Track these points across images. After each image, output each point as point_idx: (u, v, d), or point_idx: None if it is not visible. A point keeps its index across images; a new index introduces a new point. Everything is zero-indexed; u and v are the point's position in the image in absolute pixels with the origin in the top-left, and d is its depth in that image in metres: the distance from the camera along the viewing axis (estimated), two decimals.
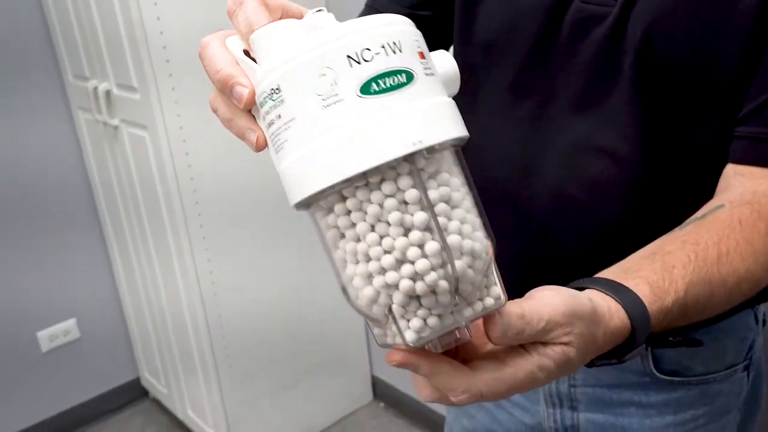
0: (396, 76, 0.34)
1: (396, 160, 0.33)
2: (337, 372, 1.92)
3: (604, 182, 0.60)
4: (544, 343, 0.39)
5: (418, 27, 0.40)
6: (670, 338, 0.67)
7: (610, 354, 0.45)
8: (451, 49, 0.42)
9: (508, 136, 0.64)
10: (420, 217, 0.33)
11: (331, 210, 0.35)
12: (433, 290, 0.34)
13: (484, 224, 0.37)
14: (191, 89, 1.43)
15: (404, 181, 0.33)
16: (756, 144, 0.55)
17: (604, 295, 0.43)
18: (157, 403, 2.08)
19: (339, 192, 0.34)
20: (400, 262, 0.33)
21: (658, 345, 0.67)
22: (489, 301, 0.36)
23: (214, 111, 0.42)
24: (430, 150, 0.34)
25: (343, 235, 0.35)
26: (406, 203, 0.34)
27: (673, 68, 0.56)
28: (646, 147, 0.59)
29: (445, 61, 0.40)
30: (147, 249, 1.70)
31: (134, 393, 2.11)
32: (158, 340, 1.87)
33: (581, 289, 0.44)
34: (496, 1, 0.64)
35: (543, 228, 0.64)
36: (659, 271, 0.47)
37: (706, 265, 0.48)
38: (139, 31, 1.35)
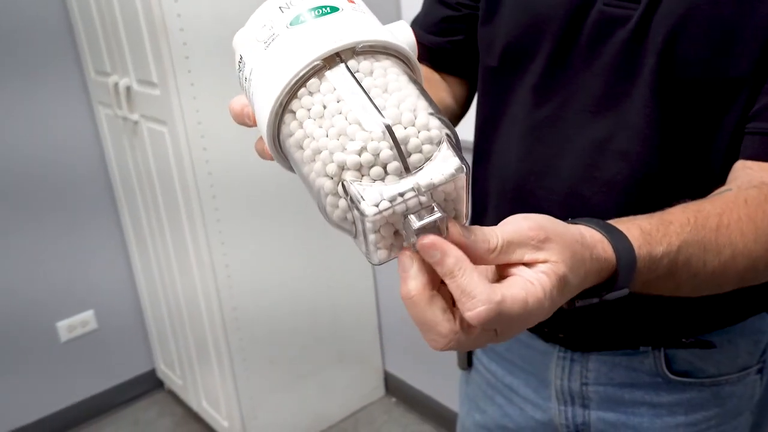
0: (321, 8, 0.39)
1: (326, 61, 0.37)
2: (350, 366, 1.94)
3: (619, 183, 0.61)
4: (530, 267, 0.38)
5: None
6: (683, 339, 0.68)
7: (592, 290, 0.43)
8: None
9: (528, 136, 0.65)
10: (354, 99, 0.36)
11: (290, 133, 0.38)
12: (380, 162, 0.35)
13: (434, 108, 0.38)
14: (210, 85, 1.45)
15: (337, 77, 0.37)
16: (765, 139, 0.55)
17: (588, 226, 0.43)
18: (172, 395, 2.11)
19: (290, 111, 0.38)
20: (345, 142, 0.35)
21: (671, 345, 0.68)
22: (448, 170, 0.35)
23: (261, 155, 0.45)
24: (362, 54, 0.38)
25: (303, 150, 0.37)
26: (343, 99, 0.36)
27: (693, 70, 0.56)
28: (662, 149, 0.59)
29: (401, 28, 0.43)
30: (164, 242, 1.73)
31: (150, 384, 2.14)
32: (174, 332, 1.90)
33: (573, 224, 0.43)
34: (517, 6, 0.64)
35: None
36: (655, 223, 0.46)
37: (704, 230, 0.48)
38: (160, 28, 1.37)
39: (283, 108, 0.38)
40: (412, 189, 0.35)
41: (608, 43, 0.59)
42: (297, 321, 1.77)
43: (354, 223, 0.36)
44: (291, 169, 0.42)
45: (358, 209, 0.34)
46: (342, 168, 0.35)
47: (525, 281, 0.37)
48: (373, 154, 0.35)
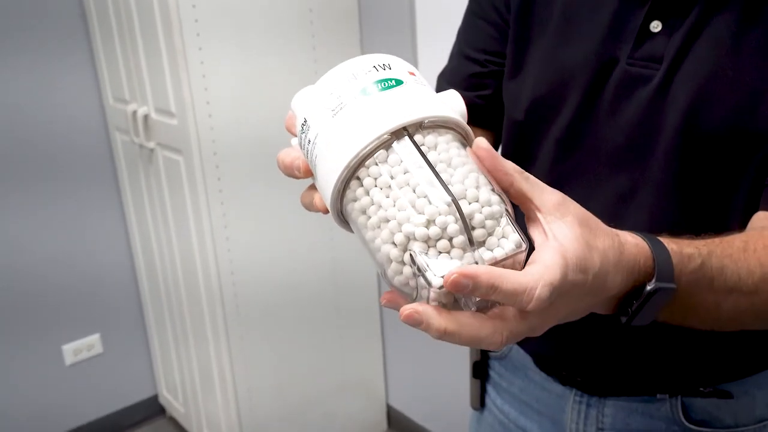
0: (387, 81, 0.41)
1: (394, 134, 0.39)
2: (354, 398, 1.93)
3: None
4: (550, 224, 0.40)
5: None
6: (701, 388, 0.68)
7: (633, 294, 0.43)
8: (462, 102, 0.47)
9: (552, 186, 0.66)
10: (422, 173, 0.38)
11: (355, 199, 0.40)
12: (447, 235, 0.36)
13: (495, 188, 0.40)
14: (227, 117, 1.48)
15: (405, 150, 0.39)
16: None
17: (623, 232, 0.44)
18: (174, 422, 2.10)
19: (356, 177, 0.40)
20: (413, 214, 0.37)
21: (688, 393, 0.68)
22: (509, 245, 0.37)
23: (308, 207, 0.47)
24: (427, 128, 0.40)
25: (369, 217, 0.39)
26: (410, 171, 0.38)
27: (715, 128, 0.58)
28: (684, 202, 0.61)
29: (452, 97, 0.45)
30: (174, 270, 1.73)
31: (151, 410, 2.13)
32: (179, 359, 1.89)
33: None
34: (543, 62, 0.66)
35: None
36: (681, 240, 0.47)
37: (732, 248, 0.48)
38: (181, 59, 1.40)
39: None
40: (476, 263, 0.37)
41: (632, 101, 0.61)
42: (303, 359, 1.77)
43: (416, 288, 0.38)
44: (347, 227, 0.43)
45: (425, 278, 0.36)
46: (410, 239, 0.37)
47: (551, 244, 0.38)
48: (440, 228, 0.36)
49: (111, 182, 1.90)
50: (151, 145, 1.61)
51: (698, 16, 0.58)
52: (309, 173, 0.45)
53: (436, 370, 1.78)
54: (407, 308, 0.37)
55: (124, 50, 1.61)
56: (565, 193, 0.66)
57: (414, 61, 1.57)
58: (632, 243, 0.43)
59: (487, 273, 0.35)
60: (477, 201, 0.38)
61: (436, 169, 0.38)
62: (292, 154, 0.46)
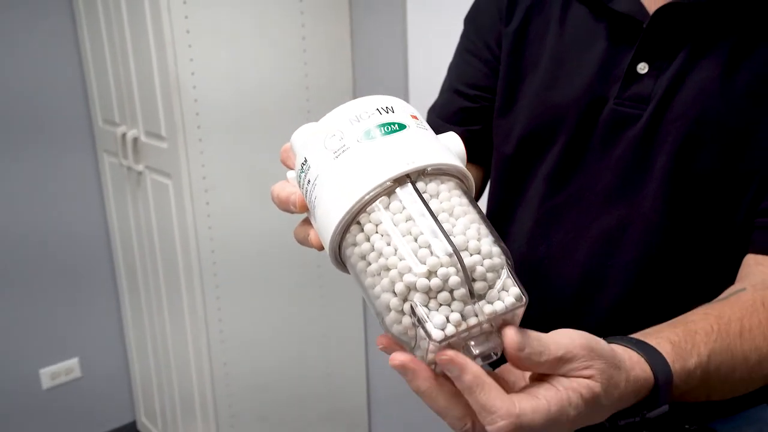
0: (390, 125, 0.41)
1: (396, 181, 0.39)
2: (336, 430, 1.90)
3: (632, 270, 0.63)
4: (568, 377, 0.39)
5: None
6: (687, 426, 0.68)
7: (633, 409, 0.44)
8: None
9: (543, 222, 0.67)
10: (424, 223, 0.38)
11: (355, 244, 0.40)
12: (448, 287, 0.36)
13: (494, 237, 0.40)
14: (218, 142, 1.48)
15: (407, 198, 0.39)
16: None
17: (624, 346, 0.44)
18: None
19: (357, 222, 0.39)
20: (414, 264, 0.37)
21: None
22: (509, 299, 0.37)
23: (302, 242, 0.47)
24: (429, 175, 0.40)
25: (369, 263, 0.39)
26: (413, 218, 0.38)
27: (704, 168, 0.59)
28: (674, 239, 0.62)
29: (451, 139, 0.46)
30: (159, 295, 1.72)
31: None
32: (159, 385, 1.86)
33: None
34: (535, 99, 0.68)
35: (567, 309, 0.67)
36: (681, 334, 0.48)
37: (729, 337, 0.49)
38: (173, 83, 1.40)
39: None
40: (476, 316, 0.37)
41: (620, 140, 0.62)
42: (286, 387, 1.75)
43: (415, 338, 0.37)
44: (343, 269, 0.43)
45: (425, 330, 0.36)
46: (410, 289, 0.36)
47: (553, 389, 0.38)
48: (442, 280, 0.36)
49: (106, 261, 1.89)
50: (140, 168, 1.61)
51: (684, 59, 0.60)
52: (305, 209, 0.45)
53: None
54: (398, 359, 0.37)
55: (115, 72, 1.62)
56: (556, 229, 0.67)
57: (404, 40, 1.56)
58: (640, 377, 0.43)
59: (472, 375, 0.36)
60: (479, 253, 0.37)
61: (438, 218, 0.38)
62: (287, 188, 0.46)
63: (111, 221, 1.88)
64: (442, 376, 0.38)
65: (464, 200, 0.40)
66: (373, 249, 0.39)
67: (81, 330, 1.93)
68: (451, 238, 0.37)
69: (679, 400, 0.48)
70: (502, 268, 0.38)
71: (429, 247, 0.37)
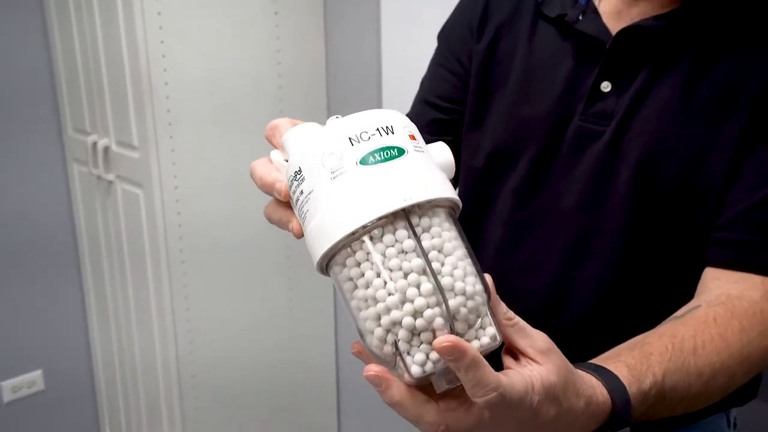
0: (389, 150, 0.41)
1: (391, 214, 0.39)
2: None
3: (599, 281, 0.65)
4: (527, 366, 0.42)
5: None
6: None
7: None
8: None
9: (511, 234, 0.69)
10: (416, 262, 0.39)
11: (344, 265, 0.41)
12: (431, 327, 0.38)
13: (478, 272, 0.42)
14: (190, 152, 1.47)
15: (401, 233, 0.39)
16: (732, 250, 0.60)
17: (584, 371, 0.47)
18: None
19: (349, 246, 0.40)
20: (402, 302, 0.38)
21: None
22: (485, 340, 0.40)
23: (269, 218, 0.48)
24: (422, 207, 0.40)
25: (356, 286, 0.40)
26: (404, 252, 0.39)
27: (665, 183, 0.62)
28: (638, 250, 0.64)
29: (441, 150, 0.46)
30: (126, 304, 1.69)
31: None
32: (125, 397, 1.83)
33: None
34: (504, 115, 0.70)
35: (536, 320, 0.68)
36: (637, 357, 0.51)
37: (683, 355, 0.52)
38: (146, 93, 1.40)
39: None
40: None
41: (585, 155, 0.65)
42: (255, 395, 1.74)
43: (394, 362, 0.40)
44: (327, 275, 0.43)
45: (404, 364, 0.38)
46: (395, 323, 0.38)
47: (523, 375, 0.41)
48: (427, 321, 0.38)
49: (72, 267, 1.86)
50: (110, 177, 1.59)
51: (645, 79, 0.63)
52: (288, 199, 0.45)
53: None
54: (372, 370, 0.39)
55: (88, 85, 1.60)
56: (524, 242, 0.69)
57: (377, 27, 1.55)
58: (600, 402, 0.45)
59: (472, 357, 0.38)
60: (464, 294, 0.39)
61: (429, 256, 0.39)
62: (273, 173, 0.46)
63: (79, 230, 1.85)
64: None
65: (453, 233, 0.42)
66: (362, 275, 0.40)
67: (45, 341, 1.89)
68: (440, 278, 0.39)
69: (643, 420, 0.50)
70: (483, 307, 0.40)
71: (418, 286, 0.38)
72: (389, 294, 0.38)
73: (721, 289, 0.59)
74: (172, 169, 1.46)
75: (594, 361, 0.51)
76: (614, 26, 0.65)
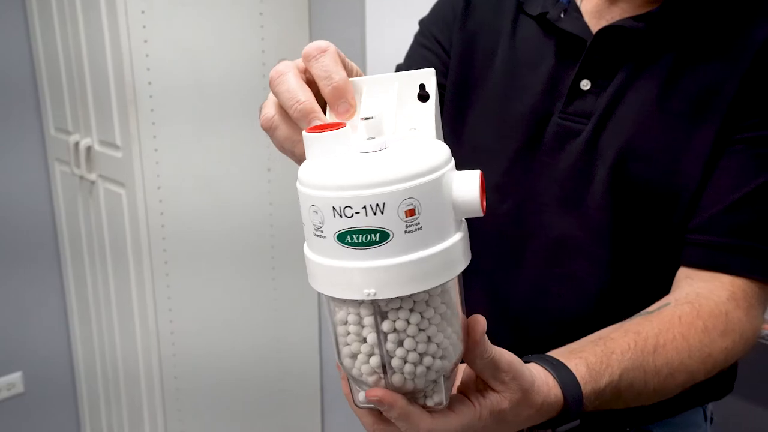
0: (370, 234, 0.38)
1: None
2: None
3: (579, 278, 0.66)
4: (484, 396, 0.45)
5: None
6: (627, 428, 0.71)
7: (544, 424, 0.50)
8: (478, 173, 0.47)
9: (491, 230, 0.70)
10: (370, 338, 0.42)
11: (328, 302, 0.44)
12: (373, 384, 0.43)
13: (451, 344, 0.43)
14: (174, 152, 1.47)
15: (364, 310, 0.41)
16: (704, 250, 0.62)
17: (545, 370, 0.50)
18: None
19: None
20: (353, 357, 0.43)
21: None
22: (429, 402, 0.44)
23: (271, 129, 0.47)
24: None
25: (336, 324, 0.44)
26: (363, 326, 0.42)
27: (641, 183, 0.63)
28: (618, 247, 0.65)
29: (467, 182, 0.43)
30: (108, 305, 1.68)
31: None
32: (107, 399, 1.81)
33: (528, 361, 0.50)
34: (486, 109, 0.70)
35: (520, 317, 0.69)
36: (599, 354, 0.53)
37: (643, 354, 0.54)
38: (129, 93, 1.39)
39: None
40: None
41: (564, 153, 0.65)
42: (239, 395, 1.73)
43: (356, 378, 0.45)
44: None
45: (352, 392, 0.46)
46: (354, 367, 0.44)
47: (470, 406, 0.45)
48: (372, 383, 0.43)
49: (53, 267, 1.84)
50: (93, 177, 1.58)
51: (624, 78, 0.63)
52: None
53: None
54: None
55: (70, 84, 1.59)
56: (504, 238, 0.70)
57: (362, 16, 1.52)
58: (552, 401, 0.48)
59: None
60: (412, 374, 0.42)
61: (387, 337, 0.41)
62: (313, 104, 0.43)
63: (61, 231, 1.84)
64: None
65: (427, 315, 0.41)
66: (343, 322, 0.43)
67: (25, 342, 1.86)
68: (390, 359, 0.42)
69: (596, 410, 0.53)
70: (436, 381, 0.43)
71: (369, 356, 0.42)
72: (354, 352, 0.43)
73: (692, 287, 0.61)
74: (155, 169, 1.45)
75: (559, 352, 0.54)
76: (595, 25, 0.66)
